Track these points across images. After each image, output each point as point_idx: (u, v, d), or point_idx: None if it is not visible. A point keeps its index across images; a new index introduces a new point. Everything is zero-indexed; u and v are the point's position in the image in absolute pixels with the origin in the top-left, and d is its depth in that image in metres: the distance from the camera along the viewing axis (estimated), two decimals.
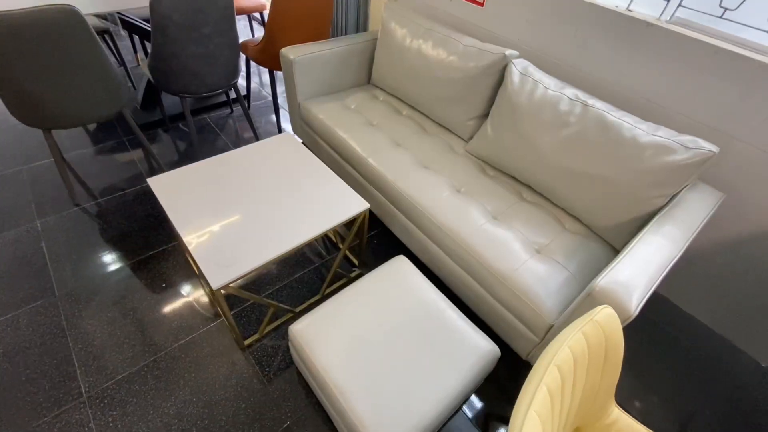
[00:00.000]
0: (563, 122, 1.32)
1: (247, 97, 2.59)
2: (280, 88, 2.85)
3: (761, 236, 1.35)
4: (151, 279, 1.55)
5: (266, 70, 3.08)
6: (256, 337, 1.39)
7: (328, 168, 1.48)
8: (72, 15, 1.32)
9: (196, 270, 1.59)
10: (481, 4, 1.81)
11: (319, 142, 1.88)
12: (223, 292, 1.09)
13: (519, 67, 1.45)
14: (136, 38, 2.94)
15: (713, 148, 1.10)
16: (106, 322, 1.40)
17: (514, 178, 1.56)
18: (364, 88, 2.03)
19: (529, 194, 1.50)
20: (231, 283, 1.08)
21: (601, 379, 0.81)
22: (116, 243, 1.67)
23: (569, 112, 1.31)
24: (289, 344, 1.21)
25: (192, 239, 1.16)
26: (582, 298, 0.98)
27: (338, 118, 1.77)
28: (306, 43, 1.94)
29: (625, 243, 1.31)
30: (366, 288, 1.21)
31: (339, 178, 1.44)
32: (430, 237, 1.42)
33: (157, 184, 1.33)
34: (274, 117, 2.55)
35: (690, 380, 1.44)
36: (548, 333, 1.14)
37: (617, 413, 0.94)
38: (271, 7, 1.80)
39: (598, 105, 1.29)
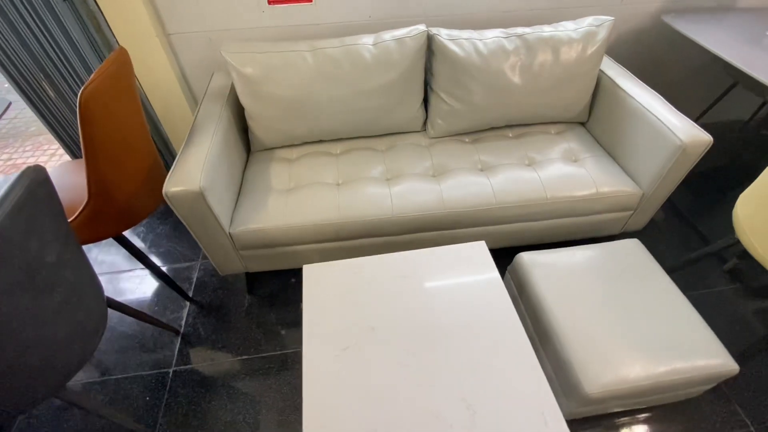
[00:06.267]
0: (517, 57, 1.42)
1: None
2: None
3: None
4: None
5: None
6: None
7: (404, 253, 1.15)
8: None
9: None
10: (310, 0, 1.55)
11: (297, 250, 1.37)
12: None
13: (444, 34, 1.40)
14: None
15: (610, 17, 1.47)
16: None
17: (491, 129, 1.62)
18: (259, 162, 1.51)
19: (511, 131, 1.62)
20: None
21: None
22: None
23: (514, 48, 1.42)
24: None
25: None
26: (675, 155, 1.25)
27: (295, 210, 1.30)
28: (161, 176, 1.23)
29: (588, 115, 1.65)
30: (550, 295, 1.16)
31: (430, 251, 1.15)
32: (511, 221, 1.39)
33: None
34: (147, 297, 1.61)
35: None
36: (641, 201, 1.41)
37: None
38: (87, 154, 0.99)
39: (525, 30, 1.44)
